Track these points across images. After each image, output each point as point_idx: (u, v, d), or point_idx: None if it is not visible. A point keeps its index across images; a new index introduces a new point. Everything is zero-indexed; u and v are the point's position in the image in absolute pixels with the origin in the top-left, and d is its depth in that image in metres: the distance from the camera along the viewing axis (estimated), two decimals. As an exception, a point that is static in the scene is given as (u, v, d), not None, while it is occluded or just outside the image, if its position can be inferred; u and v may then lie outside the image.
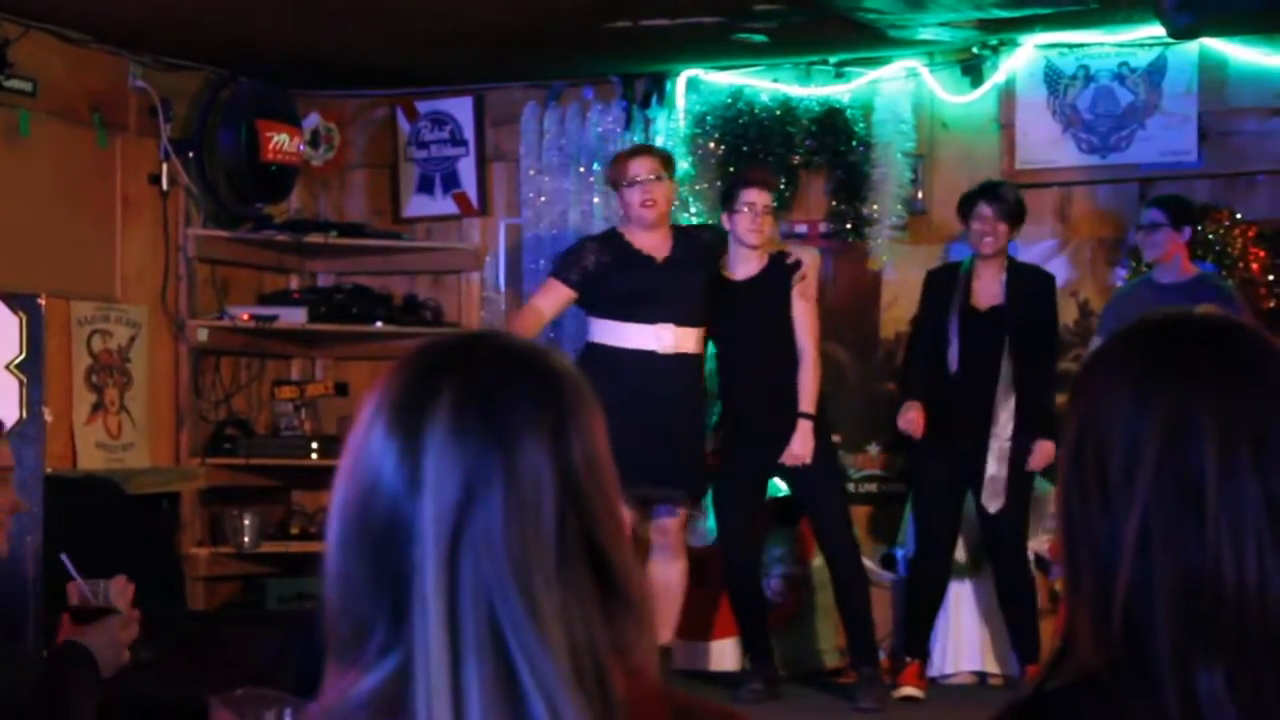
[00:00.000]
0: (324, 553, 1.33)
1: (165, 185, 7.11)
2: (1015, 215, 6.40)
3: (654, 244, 6.18)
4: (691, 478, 6.15)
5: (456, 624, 1.25)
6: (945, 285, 6.43)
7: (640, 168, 6.15)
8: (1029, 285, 6.39)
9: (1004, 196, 6.39)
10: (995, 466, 6.20)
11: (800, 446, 6.14)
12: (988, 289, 6.37)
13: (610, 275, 6.09)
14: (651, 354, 6.05)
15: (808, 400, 6.18)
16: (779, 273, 6.30)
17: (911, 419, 6.32)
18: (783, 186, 7.23)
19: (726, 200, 6.41)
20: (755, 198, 6.26)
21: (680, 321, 6.11)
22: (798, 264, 6.31)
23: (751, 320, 6.23)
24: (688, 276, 6.19)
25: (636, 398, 5.86)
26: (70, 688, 2.89)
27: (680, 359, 6.10)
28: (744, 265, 6.33)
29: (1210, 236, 6.69)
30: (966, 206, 6.42)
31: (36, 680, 2.82)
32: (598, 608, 1.29)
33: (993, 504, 6.18)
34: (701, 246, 6.37)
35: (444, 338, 1.36)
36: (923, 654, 6.45)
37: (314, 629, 1.35)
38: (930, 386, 6.34)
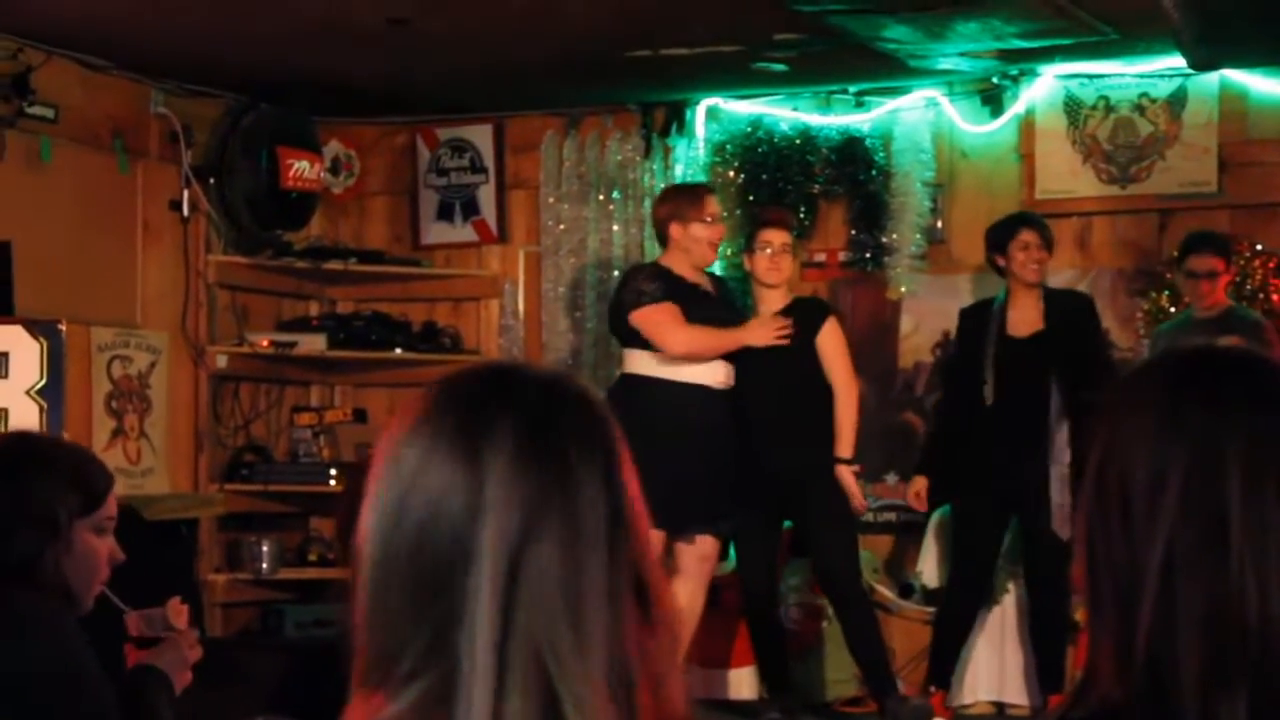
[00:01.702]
0: (355, 577, 1.33)
1: (186, 211, 7.13)
2: (1052, 243, 6.43)
3: (704, 281, 6.22)
4: (735, 508, 6.16)
5: (505, 651, 1.26)
6: (978, 322, 6.43)
7: (717, 208, 6.24)
8: (1068, 308, 6.39)
9: (1043, 223, 6.42)
10: (1060, 494, 6.15)
11: (852, 492, 6.18)
12: (1025, 317, 6.35)
13: (683, 301, 6.07)
14: (706, 389, 6.07)
15: (842, 442, 6.20)
16: (802, 312, 6.30)
17: (918, 494, 6.42)
18: (802, 215, 7.24)
19: (746, 241, 6.45)
20: (773, 238, 6.30)
21: (728, 358, 6.14)
22: (821, 307, 6.35)
23: (773, 358, 6.22)
24: (737, 315, 6.27)
25: (692, 432, 5.91)
26: (158, 710, 2.94)
27: (728, 393, 6.15)
28: (765, 304, 6.34)
29: (1231, 267, 6.69)
30: (1004, 234, 6.40)
31: (119, 707, 2.85)
32: (637, 637, 1.30)
33: (1065, 530, 6.15)
34: (734, 292, 6.53)
35: (480, 367, 1.37)
36: (948, 684, 6.44)
37: (335, 655, 1.35)
38: (968, 422, 6.33)
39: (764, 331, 6.12)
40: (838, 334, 6.30)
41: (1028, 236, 6.35)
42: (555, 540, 1.28)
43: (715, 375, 6.10)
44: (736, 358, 6.22)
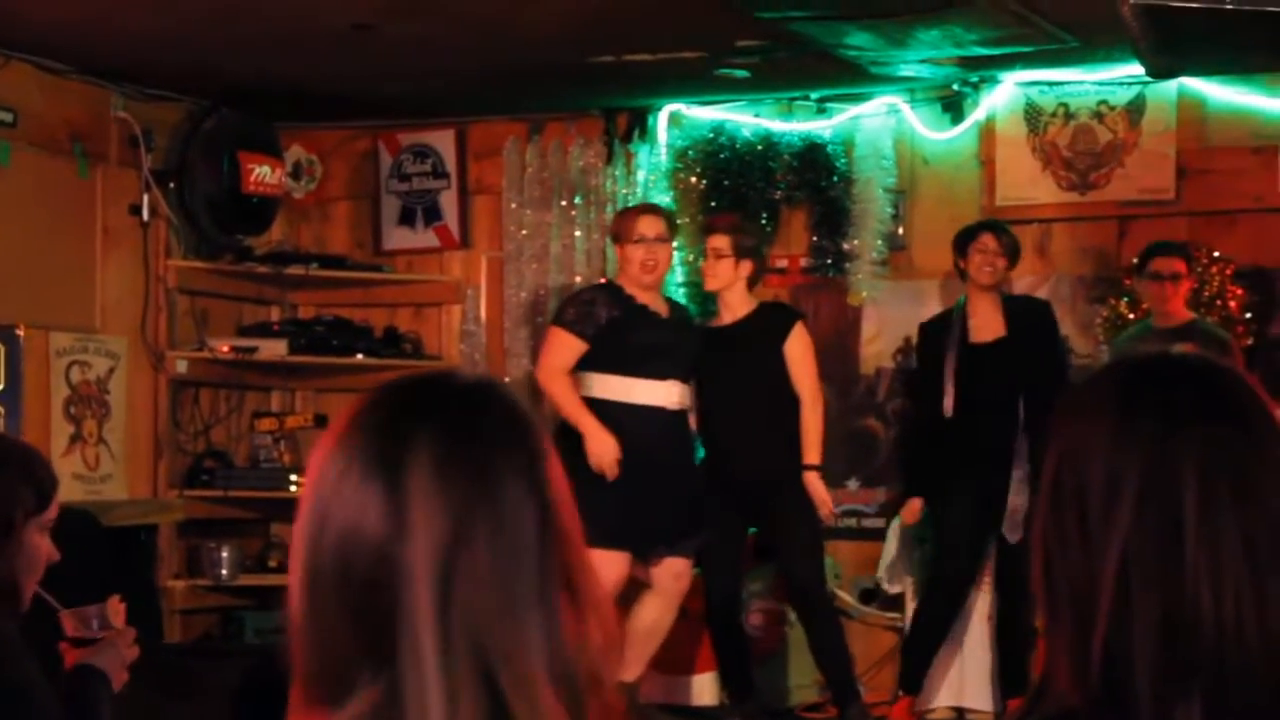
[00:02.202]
0: (289, 593, 1.33)
1: (146, 216, 7.10)
2: (1014, 253, 6.46)
3: (655, 301, 6.21)
4: (702, 523, 6.16)
5: (450, 661, 1.26)
6: (938, 334, 6.46)
7: (647, 228, 6.12)
8: (1029, 315, 6.46)
9: (1007, 230, 6.47)
10: (1017, 498, 6.20)
11: (823, 503, 6.19)
12: (987, 323, 6.40)
13: (623, 330, 6.05)
14: (661, 410, 6.06)
15: (809, 449, 6.21)
16: (770, 318, 6.30)
17: (913, 512, 6.48)
18: (764, 221, 7.25)
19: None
20: (709, 243, 6.31)
21: (684, 378, 6.15)
22: (788, 314, 6.35)
23: (735, 366, 6.22)
24: (690, 335, 6.26)
25: (649, 453, 5.92)
26: (98, 710, 2.93)
27: (684, 414, 6.16)
28: (729, 312, 6.33)
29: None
30: (966, 239, 6.45)
31: (61, 707, 2.84)
32: (574, 638, 1.31)
33: (1013, 535, 6.20)
34: (688, 312, 6.54)
35: (405, 380, 1.38)
36: (918, 690, 6.46)
37: (283, 664, 1.34)
38: (937, 431, 6.35)
39: (600, 450, 5.89)
40: (805, 340, 6.30)
41: (986, 240, 6.40)
42: (485, 546, 1.29)
43: (670, 396, 6.09)
44: (703, 363, 6.22)
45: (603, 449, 5.88)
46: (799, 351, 6.25)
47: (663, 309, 6.22)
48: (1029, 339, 6.37)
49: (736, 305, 6.33)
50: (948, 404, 6.31)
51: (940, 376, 6.34)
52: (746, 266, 6.29)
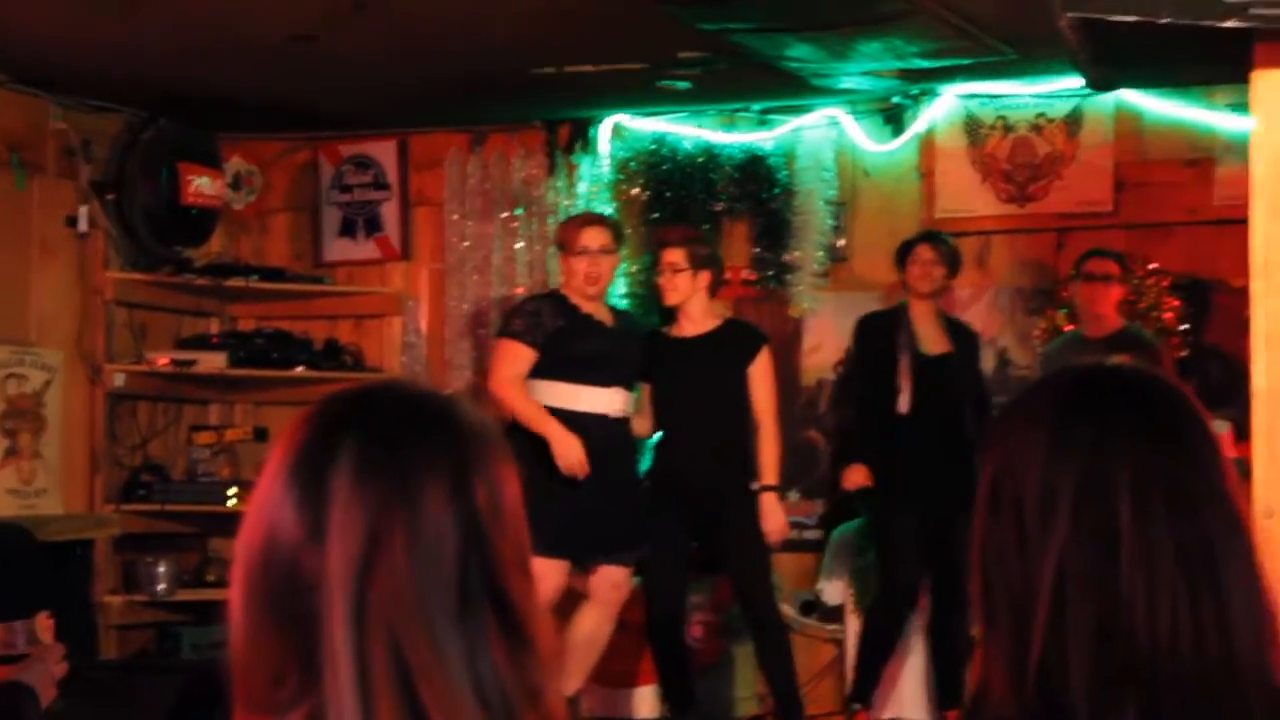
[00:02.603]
0: (228, 604, 1.33)
1: (83, 227, 7.04)
2: (953, 262, 6.49)
3: (599, 310, 6.20)
4: (642, 535, 6.15)
5: (366, 672, 1.26)
6: (884, 330, 6.46)
7: (591, 239, 6.10)
8: (964, 339, 6.55)
9: (945, 241, 6.52)
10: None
11: (772, 522, 6.15)
12: (931, 336, 6.44)
13: (568, 339, 6.04)
14: (604, 417, 6.05)
15: (767, 470, 6.19)
16: (735, 338, 6.29)
17: (857, 480, 6.37)
18: (706, 233, 7.25)
19: (655, 262, 6.47)
20: (665, 258, 6.30)
21: (628, 386, 6.16)
22: (756, 336, 6.33)
23: (697, 377, 6.21)
24: (634, 343, 6.24)
25: (592, 461, 5.90)
26: None
27: (627, 421, 6.16)
28: (691, 323, 6.30)
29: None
30: (906, 249, 6.48)
31: None
32: (505, 653, 1.30)
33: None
34: (633, 319, 6.52)
35: (347, 390, 1.38)
36: (871, 702, 6.46)
37: (220, 678, 1.34)
38: (881, 434, 6.36)
39: (565, 451, 5.91)
40: (769, 364, 6.29)
41: (923, 251, 6.44)
42: (400, 560, 1.28)
43: (614, 404, 6.09)
44: (662, 371, 6.21)
45: (568, 449, 5.89)
46: (762, 374, 6.25)
47: (607, 317, 6.22)
48: (966, 360, 6.47)
49: (699, 316, 6.30)
50: (904, 402, 6.32)
51: (892, 375, 6.35)
52: (705, 277, 6.29)
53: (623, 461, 6.14)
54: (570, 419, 5.98)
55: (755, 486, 6.15)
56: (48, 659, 3.02)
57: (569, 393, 6.03)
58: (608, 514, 5.99)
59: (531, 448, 5.84)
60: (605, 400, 6.06)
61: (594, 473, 5.93)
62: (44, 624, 3.07)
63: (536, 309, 6.13)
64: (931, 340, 6.43)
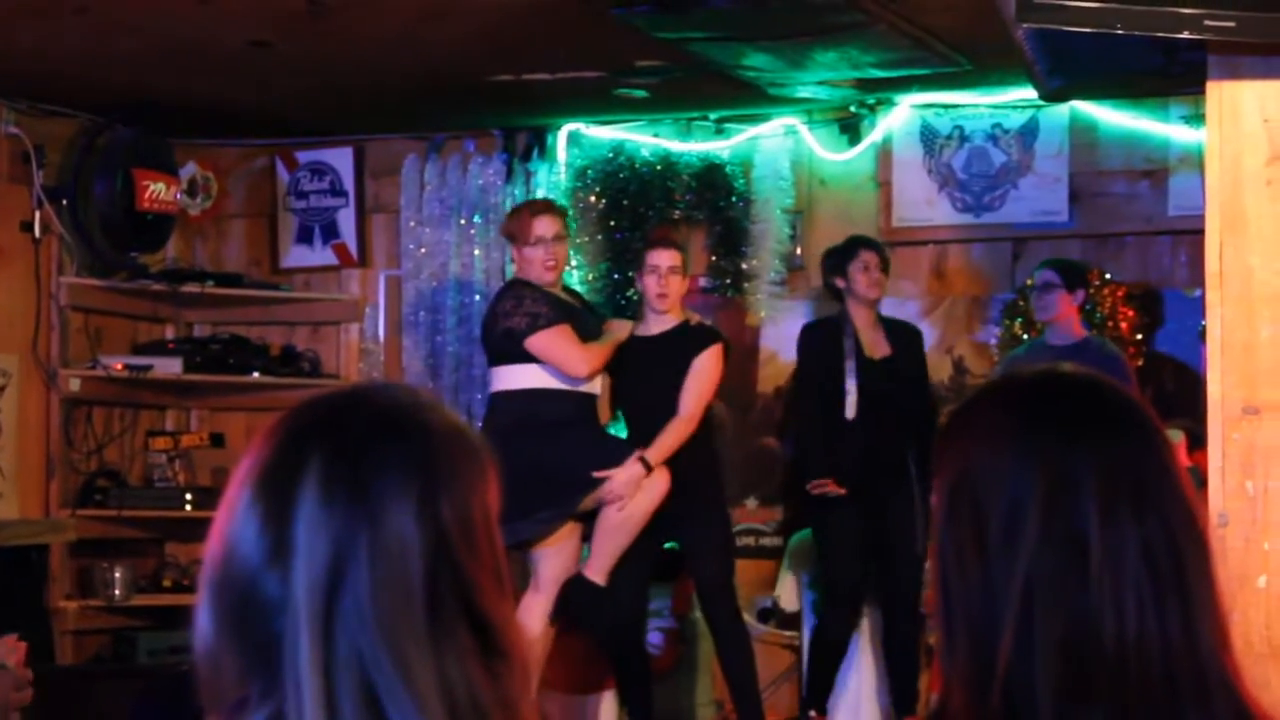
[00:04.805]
0: (195, 610, 1.33)
1: (38, 233, 7.00)
2: (888, 265, 6.54)
3: (559, 291, 6.19)
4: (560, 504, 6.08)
5: (333, 692, 1.25)
6: (828, 337, 6.48)
7: (545, 228, 6.04)
8: (904, 338, 6.55)
9: (880, 245, 6.55)
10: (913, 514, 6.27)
11: (620, 485, 5.93)
12: (871, 340, 6.47)
13: (567, 318, 6.04)
14: (591, 396, 6.07)
15: (654, 449, 6.02)
16: (688, 336, 6.26)
17: (827, 488, 6.33)
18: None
19: (636, 262, 6.44)
20: (660, 259, 6.21)
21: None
22: (712, 334, 6.30)
23: (655, 378, 6.19)
24: (593, 315, 6.31)
25: (561, 429, 5.93)
26: None
27: (594, 398, 6.15)
28: (657, 322, 6.28)
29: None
30: (842, 257, 6.50)
31: None
32: (479, 665, 1.29)
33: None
34: (580, 294, 6.54)
35: (315, 400, 1.36)
36: (825, 708, 6.48)
37: (187, 683, 1.34)
38: (828, 438, 6.38)
39: (624, 325, 6.24)
40: (710, 362, 6.18)
41: (867, 257, 6.47)
42: (365, 578, 1.27)
43: (594, 382, 6.09)
44: (622, 374, 6.20)
45: (619, 328, 6.19)
46: (699, 368, 6.17)
47: (572, 299, 6.27)
48: (909, 361, 6.49)
49: (666, 318, 6.28)
50: (850, 406, 6.35)
51: (839, 380, 6.37)
52: (688, 280, 6.34)
53: (598, 431, 6.18)
54: (557, 397, 5.95)
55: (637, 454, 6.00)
56: (8, 682, 2.95)
57: (544, 372, 6.00)
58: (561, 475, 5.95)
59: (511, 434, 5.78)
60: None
61: (573, 442, 5.93)
62: (10, 645, 3.00)
63: (523, 295, 6.03)
64: (873, 344, 6.47)
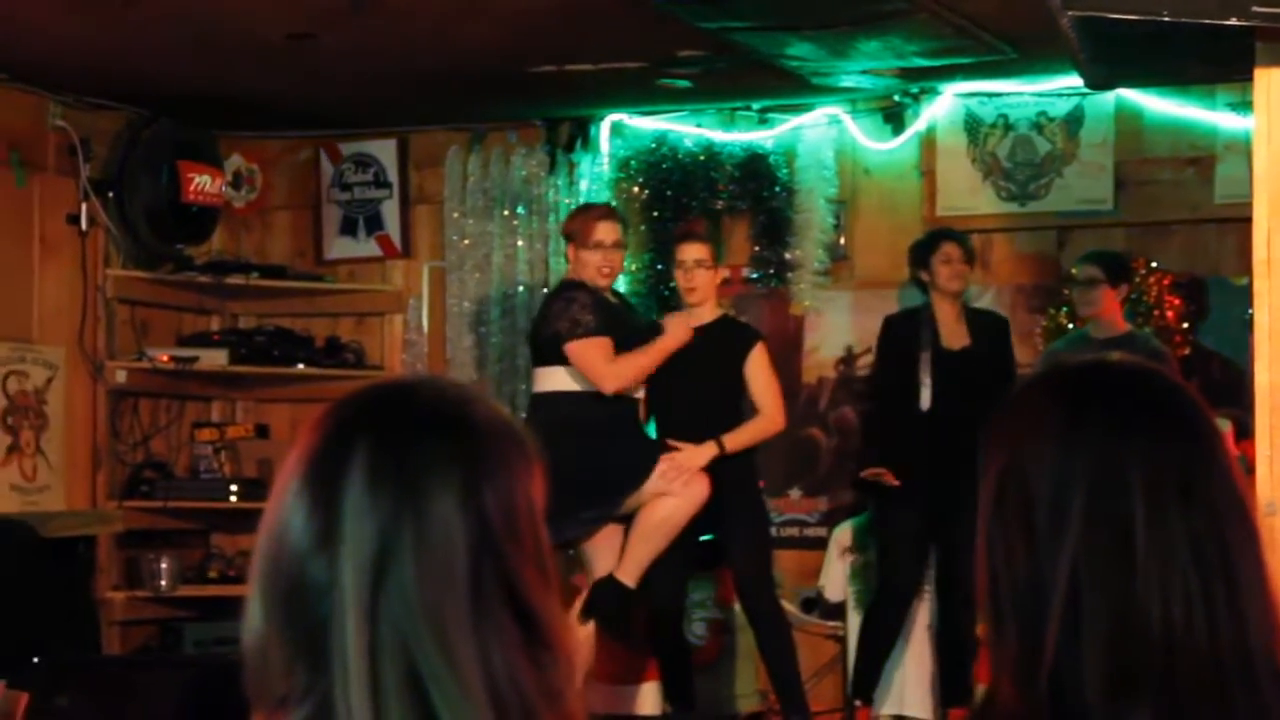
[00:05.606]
0: (246, 601, 1.34)
1: (84, 225, 7.05)
2: (974, 256, 6.53)
3: (614, 298, 6.19)
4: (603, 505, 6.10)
5: (378, 677, 1.26)
6: (908, 328, 6.47)
7: (605, 234, 6.05)
8: (990, 328, 6.53)
9: (965, 238, 6.53)
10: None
11: (686, 458, 5.94)
12: (952, 332, 6.45)
13: (611, 328, 6.03)
14: (635, 400, 6.07)
15: (732, 436, 6.10)
16: (728, 333, 6.26)
17: (879, 473, 6.33)
18: (706, 230, 7.26)
19: (672, 259, 6.46)
20: (685, 253, 6.26)
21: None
22: (752, 333, 6.29)
23: (691, 372, 6.19)
24: (639, 319, 6.30)
25: (609, 436, 5.91)
26: None
27: (639, 402, 6.14)
28: (694, 315, 6.26)
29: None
30: (926, 250, 6.49)
31: None
32: (523, 655, 1.30)
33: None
34: (625, 296, 6.52)
35: (361, 391, 1.37)
36: (871, 698, 6.47)
37: (234, 673, 1.35)
38: (901, 430, 6.36)
39: (681, 329, 6.04)
40: (764, 361, 6.22)
41: (949, 249, 6.46)
42: (410, 566, 1.28)
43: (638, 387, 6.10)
44: (655, 374, 6.20)
45: (679, 328, 6.01)
46: (760, 374, 6.20)
47: (622, 304, 6.28)
48: (991, 351, 6.44)
49: (704, 314, 6.29)
50: (925, 398, 6.34)
51: (914, 373, 6.36)
52: (721, 273, 6.33)
53: (641, 435, 6.15)
54: (599, 400, 5.94)
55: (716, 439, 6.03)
56: None
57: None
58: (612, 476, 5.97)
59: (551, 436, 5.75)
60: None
61: (616, 446, 5.92)
62: (10, 697, 2.95)
63: (574, 298, 6.03)
64: (953, 335, 6.45)
